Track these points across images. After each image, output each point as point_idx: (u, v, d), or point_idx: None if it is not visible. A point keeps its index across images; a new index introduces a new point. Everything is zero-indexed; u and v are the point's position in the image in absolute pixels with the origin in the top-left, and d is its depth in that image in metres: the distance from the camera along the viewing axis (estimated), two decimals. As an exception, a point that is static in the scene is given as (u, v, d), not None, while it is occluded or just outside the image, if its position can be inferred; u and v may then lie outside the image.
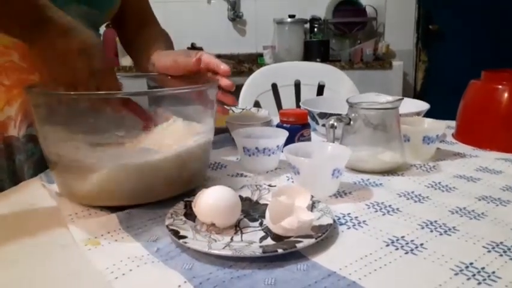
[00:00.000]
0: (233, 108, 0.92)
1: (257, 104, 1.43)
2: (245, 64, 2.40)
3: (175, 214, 0.45)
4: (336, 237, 0.43)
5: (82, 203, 0.50)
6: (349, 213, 0.48)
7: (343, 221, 0.46)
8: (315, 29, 2.60)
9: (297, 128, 0.70)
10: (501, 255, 0.39)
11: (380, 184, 0.58)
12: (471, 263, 0.38)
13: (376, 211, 0.49)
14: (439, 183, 0.58)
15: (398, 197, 0.53)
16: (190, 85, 0.54)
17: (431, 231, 0.44)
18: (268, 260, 0.38)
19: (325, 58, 2.46)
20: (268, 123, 0.78)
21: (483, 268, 0.37)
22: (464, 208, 0.50)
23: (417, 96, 2.60)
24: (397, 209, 0.50)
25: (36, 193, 0.56)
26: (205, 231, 0.43)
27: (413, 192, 0.55)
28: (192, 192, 0.51)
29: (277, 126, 0.72)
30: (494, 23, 2.55)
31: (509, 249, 0.40)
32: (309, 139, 0.72)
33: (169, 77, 0.66)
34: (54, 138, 0.50)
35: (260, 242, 0.42)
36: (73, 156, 0.50)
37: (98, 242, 0.42)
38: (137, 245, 0.42)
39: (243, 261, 0.38)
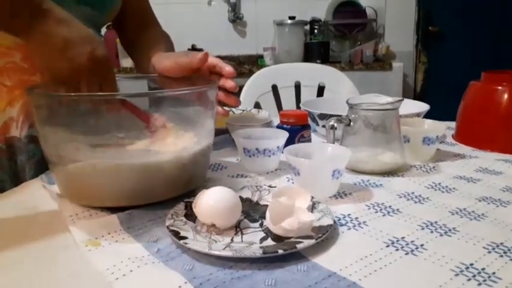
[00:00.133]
0: (233, 110, 0.92)
1: (257, 105, 1.43)
2: (245, 65, 2.40)
3: (176, 215, 0.45)
4: (336, 238, 0.43)
5: (83, 203, 0.51)
6: (349, 214, 0.48)
7: (343, 222, 0.46)
8: (315, 31, 2.60)
9: (297, 129, 0.70)
10: (501, 256, 0.39)
11: (380, 185, 0.58)
12: (471, 264, 0.38)
13: (376, 212, 0.49)
14: (439, 184, 0.58)
15: (398, 197, 0.53)
16: (190, 86, 0.54)
17: (432, 232, 0.44)
18: (268, 260, 0.38)
19: (325, 59, 2.46)
20: (268, 124, 0.78)
21: (483, 269, 0.37)
22: (465, 209, 0.50)
23: (417, 97, 2.61)
24: (397, 209, 0.50)
25: (37, 194, 0.56)
26: (206, 232, 0.43)
27: (413, 193, 0.55)
28: (192, 193, 0.51)
29: (278, 127, 0.72)
30: (494, 24, 2.55)
31: (509, 250, 0.40)
32: (309, 140, 0.72)
33: (170, 79, 0.66)
34: (54, 139, 0.50)
35: (260, 242, 0.42)
36: (73, 157, 0.50)
37: (98, 242, 0.42)
38: (138, 246, 0.42)
39: (243, 262, 0.38)
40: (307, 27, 2.62)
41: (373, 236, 0.43)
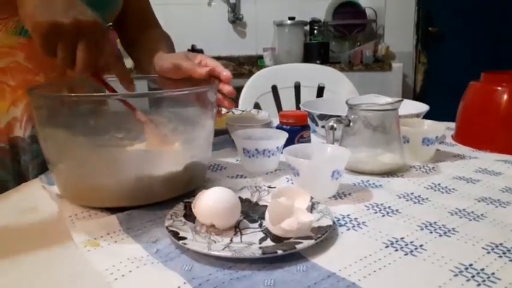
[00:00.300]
0: (233, 110, 0.92)
1: (257, 106, 1.43)
2: (245, 66, 2.41)
3: (175, 215, 0.45)
4: (335, 238, 0.43)
5: (82, 204, 0.51)
6: (348, 215, 0.48)
7: (342, 222, 0.46)
8: (315, 31, 2.61)
9: (297, 130, 0.70)
10: (500, 256, 0.39)
11: (380, 185, 0.58)
12: (471, 265, 0.38)
13: (376, 212, 0.49)
14: (439, 184, 0.58)
15: (397, 198, 0.53)
16: (189, 87, 0.54)
17: (431, 232, 0.44)
18: (267, 261, 0.38)
19: (325, 60, 2.47)
20: (268, 125, 0.78)
21: (483, 269, 0.37)
22: (464, 209, 0.50)
23: (416, 97, 2.61)
24: (397, 210, 0.50)
25: (37, 194, 0.56)
26: (205, 233, 0.43)
27: (412, 193, 0.55)
28: (192, 193, 0.51)
29: (277, 127, 0.72)
30: (494, 25, 2.55)
31: (508, 250, 0.40)
32: (308, 141, 0.72)
33: (169, 79, 0.66)
34: (54, 139, 0.50)
35: (260, 243, 0.42)
36: (73, 158, 0.50)
37: (97, 243, 0.42)
38: (137, 246, 0.42)
39: (242, 263, 0.38)
40: (307, 27, 2.63)
41: (372, 236, 0.43)
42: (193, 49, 2.58)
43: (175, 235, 0.41)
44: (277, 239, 0.42)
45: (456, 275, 0.36)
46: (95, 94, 0.50)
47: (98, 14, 0.64)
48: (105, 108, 0.52)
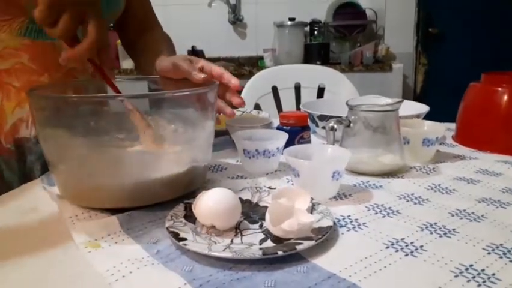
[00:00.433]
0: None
1: (257, 107, 1.43)
2: (245, 67, 2.41)
3: (175, 216, 0.45)
4: (336, 239, 0.43)
5: (83, 205, 0.51)
6: (349, 216, 0.48)
7: (343, 223, 0.46)
8: (315, 32, 2.61)
9: (297, 131, 0.70)
10: (501, 257, 0.39)
11: (380, 186, 0.58)
12: (471, 265, 0.38)
13: (376, 213, 0.49)
14: (439, 185, 0.58)
15: (398, 199, 0.53)
16: (190, 88, 0.54)
17: (431, 233, 0.44)
18: (268, 262, 0.38)
19: (325, 61, 2.47)
20: (268, 126, 0.78)
21: (483, 270, 0.37)
22: (464, 210, 0.50)
23: (417, 98, 2.61)
24: (397, 211, 0.50)
25: (37, 195, 0.56)
26: (205, 234, 0.43)
27: (413, 194, 0.55)
28: (192, 194, 0.51)
29: (278, 128, 0.72)
30: (494, 26, 2.56)
31: (509, 251, 0.40)
32: (309, 141, 0.72)
33: (170, 80, 0.66)
34: (55, 140, 0.50)
35: (260, 244, 0.42)
36: (73, 159, 0.50)
37: (98, 244, 0.42)
38: (138, 247, 0.42)
39: (243, 263, 0.38)
40: (307, 28, 2.63)
41: (373, 237, 0.43)
42: (193, 50, 2.58)
43: (176, 236, 0.41)
44: (277, 239, 0.42)
45: (456, 276, 0.36)
46: (95, 95, 0.51)
47: None
48: (106, 109, 0.52)
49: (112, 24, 0.83)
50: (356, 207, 0.51)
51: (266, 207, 0.45)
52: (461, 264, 0.38)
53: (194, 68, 0.63)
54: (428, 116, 0.82)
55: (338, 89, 1.45)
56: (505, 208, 0.51)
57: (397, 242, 0.42)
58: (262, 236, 0.43)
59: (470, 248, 0.41)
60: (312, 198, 0.48)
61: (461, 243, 0.42)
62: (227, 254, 0.38)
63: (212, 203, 0.43)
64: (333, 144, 0.61)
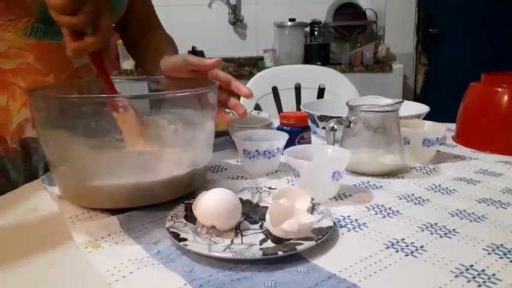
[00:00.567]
0: (233, 112, 0.92)
1: (258, 107, 1.43)
2: (246, 67, 2.41)
3: (176, 217, 0.45)
4: (336, 239, 0.43)
5: (83, 205, 0.51)
6: (349, 216, 0.48)
7: (343, 224, 0.46)
8: (316, 33, 2.61)
9: (298, 131, 0.70)
10: (501, 257, 0.39)
11: (380, 186, 0.58)
12: (471, 266, 0.38)
13: (376, 213, 0.49)
14: (439, 185, 0.58)
15: (398, 199, 0.53)
16: (190, 88, 0.54)
17: (431, 233, 0.44)
18: (268, 262, 0.38)
19: (325, 61, 2.47)
20: (268, 126, 0.78)
21: (483, 270, 0.37)
22: (464, 210, 0.50)
23: (417, 99, 2.61)
24: (397, 211, 0.50)
25: (38, 195, 0.56)
26: (206, 234, 0.43)
27: (413, 194, 0.55)
28: (192, 194, 0.51)
29: (278, 129, 0.72)
30: (494, 26, 2.56)
31: (509, 251, 0.40)
32: (309, 142, 0.72)
33: (171, 80, 0.66)
34: (55, 141, 0.50)
35: (260, 244, 0.42)
36: (73, 159, 0.50)
37: (98, 244, 0.42)
38: (138, 248, 0.42)
39: (243, 264, 0.38)
40: (308, 29, 2.63)
41: (373, 237, 0.43)
42: (194, 50, 2.59)
43: (176, 236, 0.41)
44: (277, 240, 0.42)
45: (457, 276, 0.36)
46: (95, 95, 0.51)
47: None
48: (106, 110, 0.52)
49: (113, 25, 0.84)
50: (356, 208, 0.51)
51: (266, 207, 0.45)
52: (462, 264, 0.38)
53: (204, 59, 0.63)
54: (428, 117, 0.82)
55: (338, 89, 1.45)
56: (505, 208, 0.51)
57: (397, 242, 0.42)
58: (262, 236, 0.43)
59: (470, 248, 0.41)
60: (312, 199, 0.48)
61: (461, 243, 0.42)
62: (227, 255, 0.38)
63: (212, 203, 0.43)
64: (333, 145, 0.61)
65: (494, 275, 0.36)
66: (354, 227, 0.46)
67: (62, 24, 0.49)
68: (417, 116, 0.80)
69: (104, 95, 0.55)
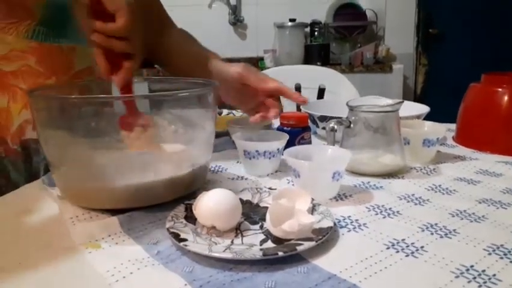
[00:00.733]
0: (233, 112, 0.92)
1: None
2: (246, 68, 2.40)
3: (176, 217, 0.45)
4: (336, 240, 0.43)
5: (83, 205, 0.51)
6: (349, 216, 0.48)
7: (343, 224, 0.46)
8: (316, 33, 2.61)
9: (298, 131, 0.70)
10: (501, 257, 0.39)
11: (381, 187, 0.58)
12: (471, 266, 0.38)
13: (376, 214, 0.49)
14: (439, 186, 0.58)
15: (398, 199, 0.53)
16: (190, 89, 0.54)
17: (432, 234, 0.44)
18: (268, 262, 0.38)
19: (325, 62, 2.47)
20: (268, 127, 0.78)
21: (483, 271, 0.37)
22: (465, 211, 0.50)
23: (417, 99, 2.61)
24: (397, 211, 0.50)
25: (38, 196, 0.56)
26: (206, 234, 0.43)
27: (413, 195, 0.55)
28: (193, 195, 0.51)
29: (278, 129, 0.72)
30: (494, 26, 2.56)
31: (509, 251, 0.40)
32: (309, 142, 0.72)
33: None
34: (55, 141, 0.50)
35: (260, 244, 0.42)
36: (73, 160, 0.50)
37: (98, 244, 0.42)
38: (138, 248, 0.42)
39: (243, 264, 0.38)
40: (308, 29, 2.63)
41: (373, 238, 0.43)
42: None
43: (176, 237, 0.41)
44: (278, 240, 0.42)
45: (457, 277, 0.36)
46: (94, 96, 0.51)
47: None
48: (106, 110, 0.52)
49: None
50: (357, 208, 0.51)
51: (266, 208, 0.45)
52: (462, 265, 0.38)
53: (261, 80, 0.68)
54: (428, 117, 0.82)
55: (338, 89, 1.45)
56: (506, 209, 0.51)
57: (398, 242, 0.42)
58: (262, 236, 0.43)
59: (470, 248, 0.41)
60: (313, 199, 0.48)
61: (461, 244, 0.42)
62: (227, 255, 0.38)
63: (212, 203, 0.43)
64: (334, 145, 0.61)
65: (494, 275, 0.36)
66: (355, 228, 0.46)
67: (115, 48, 0.50)
68: (418, 117, 0.80)
69: (104, 96, 0.55)
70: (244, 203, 0.50)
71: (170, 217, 0.45)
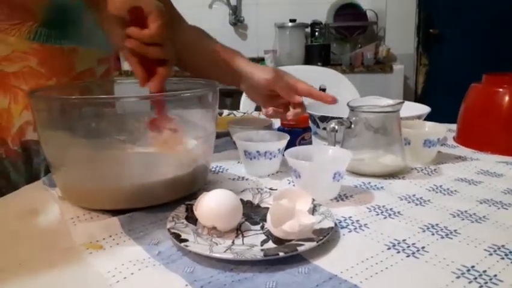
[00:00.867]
0: (234, 112, 0.92)
1: (258, 108, 1.43)
2: (246, 68, 2.40)
3: (177, 217, 0.45)
4: (337, 240, 0.43)
5: (84, 206, 0.51)
6: (350, 217, 0.48)
7: (344, 224, 0.46)
8: (316, 33, 2.61)
9: (298, 132, 0.70)
10: (502, 258, 0.39)
11: (381, 187, 0.58)
12: (472, 266, 0.38)
13: (377, 214, 0.49)
14: (440, 186, 0.58)
15: (399, 200, 0.53)
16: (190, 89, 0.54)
17: (433, 234, 0.44)
18: (269, 263, 0.38)
19: (326, 62, 2.47)
20: (269, 127, 0.78)
21: (484, 271, 0.37)
22: (466, 211, 0.50)
23: (418, 99, 2.61)
24: (398, 212, 0.50)
25: (38, 196, 0.56)
26: (207, 235, 0.43)
27: (414, 195, 0.55)
28: (193, 195, 0.51)
29: (279, 129, 0.72)
30: (494, 26, 2.55)
31: (510, 252, 0.40)
32: (310, 142, 0.72)
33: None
34: (56, 142, 0.50)
35: (261, 245, 0.42)
36: (74, 160, 0.50)
37: (99, 245, 0.42)
38: (139, 249, 0.42)
39: (244, 265, 0.38)
40: (308, 29, 2.63)
41: (374, 238, 0.43)
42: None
43: (177, 237, 0.41)
44: (278, 241, 0.42)
45: (458, 277, 0.36)
46: (94, 96, 0.51)
47: None
48: (107, 111, 0.52)
49: None
50: (357, 209, 0.51)
51: (267, 208, 0.45)
52: (463, 265, 0.38)
53: (290, 90, 0.67)
54: (429, 117, 0.82)
55: (339, 90, 1.45)
56: (507, 209, 0.50)
57: (399, 243, 0.42)
58: (263, 237, 0.43)
59: (472, 249, 0.41)
60: (313, 200, 0.48)
61: (462, 244, 0.42)
62: (228, 255, 0.38)
63: (213, 204, 0.43)
64: (334, 146, 0.61)
65: (495, 275, 0.36)
66: (356, 228, 0.46)
67: (150, 54, 0.51)
68: (418, 117, 0.80)
69: (104, 96, 0.55)
70: (245, 204, 0.50)
71: (171, 217, 0.45)
